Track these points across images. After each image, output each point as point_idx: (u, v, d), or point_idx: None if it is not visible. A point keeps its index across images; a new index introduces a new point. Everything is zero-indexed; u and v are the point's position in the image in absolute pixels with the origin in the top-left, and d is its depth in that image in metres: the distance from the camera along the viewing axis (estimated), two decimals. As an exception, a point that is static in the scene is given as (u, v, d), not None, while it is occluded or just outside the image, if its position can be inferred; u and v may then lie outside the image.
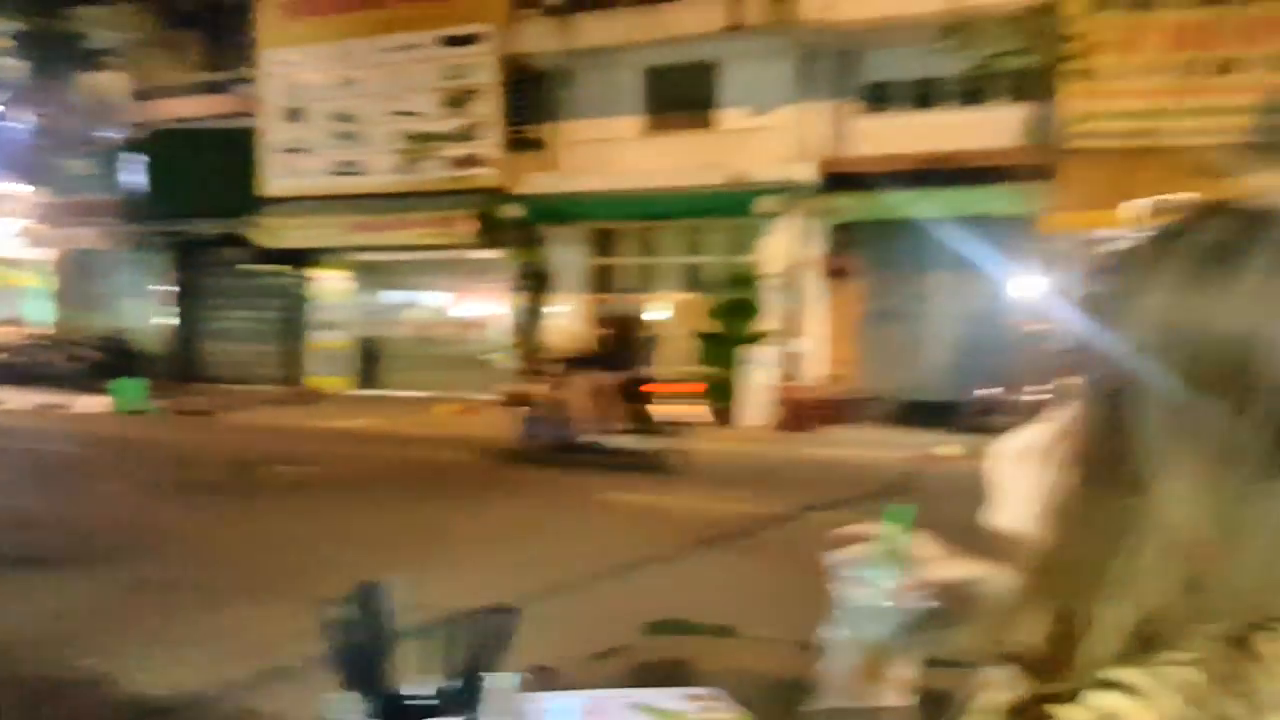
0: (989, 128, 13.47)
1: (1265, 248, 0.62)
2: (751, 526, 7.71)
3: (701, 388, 12.51)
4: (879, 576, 1.06)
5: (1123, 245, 0.68)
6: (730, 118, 15.41)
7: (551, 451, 10.50)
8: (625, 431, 10.41)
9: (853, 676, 1.05)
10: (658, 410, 10.60)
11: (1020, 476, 0.75)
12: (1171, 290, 0.63)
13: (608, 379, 10.59)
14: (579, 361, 11.01)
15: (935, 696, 0.88)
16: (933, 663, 1.05)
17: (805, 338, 14.82)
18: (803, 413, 13.64)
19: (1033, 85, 13.13)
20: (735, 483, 9.82)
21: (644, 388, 10.68)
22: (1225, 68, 12.40)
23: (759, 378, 14.13)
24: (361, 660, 1.07)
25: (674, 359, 13.98)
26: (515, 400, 11.46)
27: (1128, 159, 11.81)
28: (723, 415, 13.95)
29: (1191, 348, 0.62)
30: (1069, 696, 0.61)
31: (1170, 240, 0.65)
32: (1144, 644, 0.61)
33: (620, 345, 11.23)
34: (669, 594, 5.91)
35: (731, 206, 14.61)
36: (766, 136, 14.90)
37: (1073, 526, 0.66)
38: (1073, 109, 12.84)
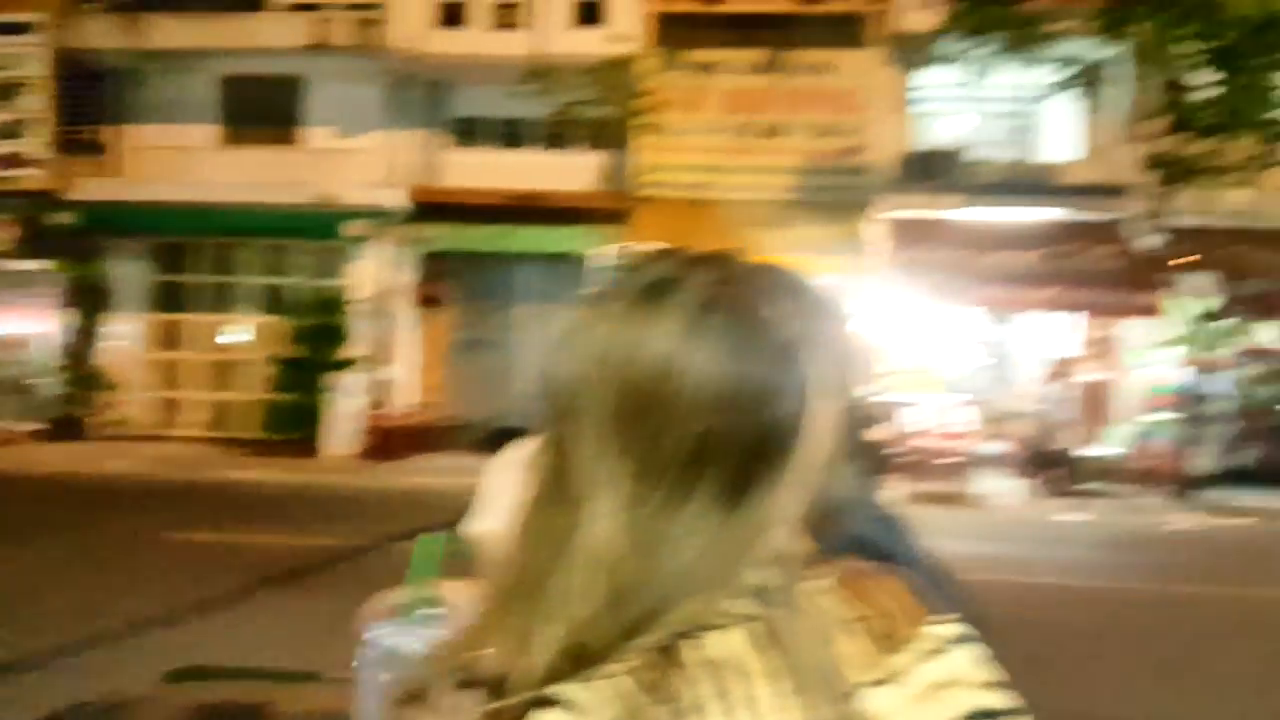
0: (570, 171, 14.22)
1: (691, 287, 0.68)
2: (329, 561, 7.46)
3: None
4: (412, 617, 1.08)
5: (591, 287, 0.75)
6: (317, 136, 14.95)
7: None
8: None
9: (388, 708, 1.06)
10: None
11: (506, 488, 0.78)
12: (609, 323, 0.69)
13: None
14: None
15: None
16: (465, 685, 1.08)
17: (395, 365, 14.65)
18: (391, 441, 13.46)
19: (609, 134, 14.06)
20: (315, 516, 9.44)
21: None
22: (772, 132, 14.07)
23: (345, 405, 13.76)
24: None
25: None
26: None
27: (691, 208, 13.01)
28: (306, 445, 13.41)
29: (619, 375, 0.67)
30: (519, 715, 0.63)
31: (621, 281, 0.72)
32: (577, 659, 0.65)
33: None
34: (228, 637, 5.55)
35: (317, 228, 14.16)
36: (355, 159, 14.61)
37: (525, 543, 0.70)
38: (643, 159, 13.94)
